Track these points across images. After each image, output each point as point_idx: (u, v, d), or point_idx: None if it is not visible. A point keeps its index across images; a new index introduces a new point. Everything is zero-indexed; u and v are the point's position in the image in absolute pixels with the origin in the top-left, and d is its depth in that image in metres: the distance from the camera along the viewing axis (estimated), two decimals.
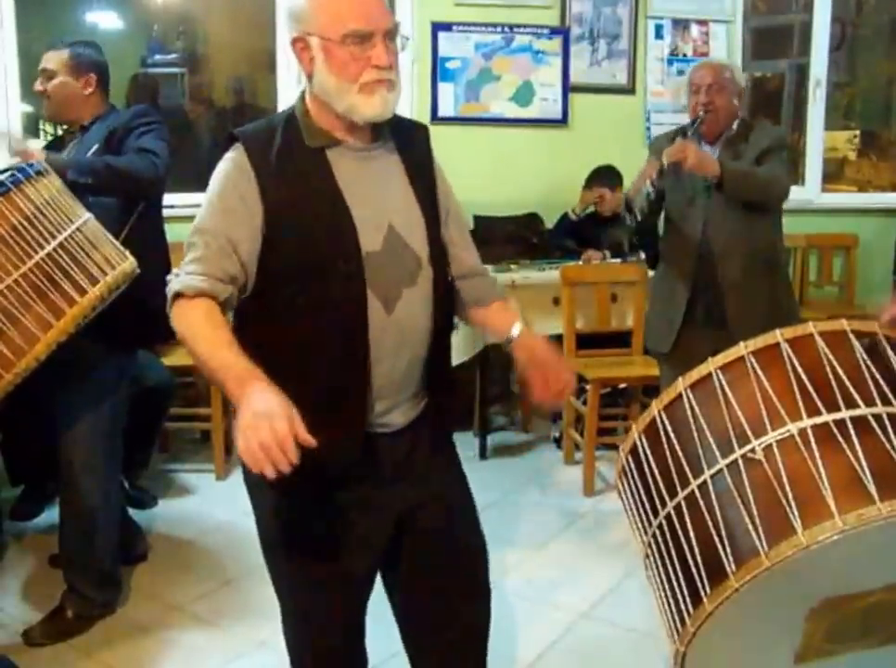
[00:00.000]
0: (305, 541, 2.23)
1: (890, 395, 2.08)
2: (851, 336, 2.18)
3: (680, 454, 2.19)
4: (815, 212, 6.41)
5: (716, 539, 2.08)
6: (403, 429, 2.23)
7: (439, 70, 5.86)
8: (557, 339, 4.92)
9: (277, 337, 2.11)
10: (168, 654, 3.38)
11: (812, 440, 2.02)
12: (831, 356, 2.13)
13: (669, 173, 3.84)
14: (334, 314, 2.09)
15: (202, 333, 1.98)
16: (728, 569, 2.02)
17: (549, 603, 3.60)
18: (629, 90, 6.29)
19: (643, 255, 5.36)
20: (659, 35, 6.31)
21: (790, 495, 1.98)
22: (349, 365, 2.11)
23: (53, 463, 3.57)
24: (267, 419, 1.73)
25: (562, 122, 6.15)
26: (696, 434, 2.18)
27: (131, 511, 4.30)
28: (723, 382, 2.18)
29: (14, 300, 2.80)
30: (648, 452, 2.27)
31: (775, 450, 2.05)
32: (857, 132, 8.56)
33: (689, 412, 2.20)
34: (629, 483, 2.35)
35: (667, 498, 2.21)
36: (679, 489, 2.17)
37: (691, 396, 2.22)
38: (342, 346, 2.09)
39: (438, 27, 5.84)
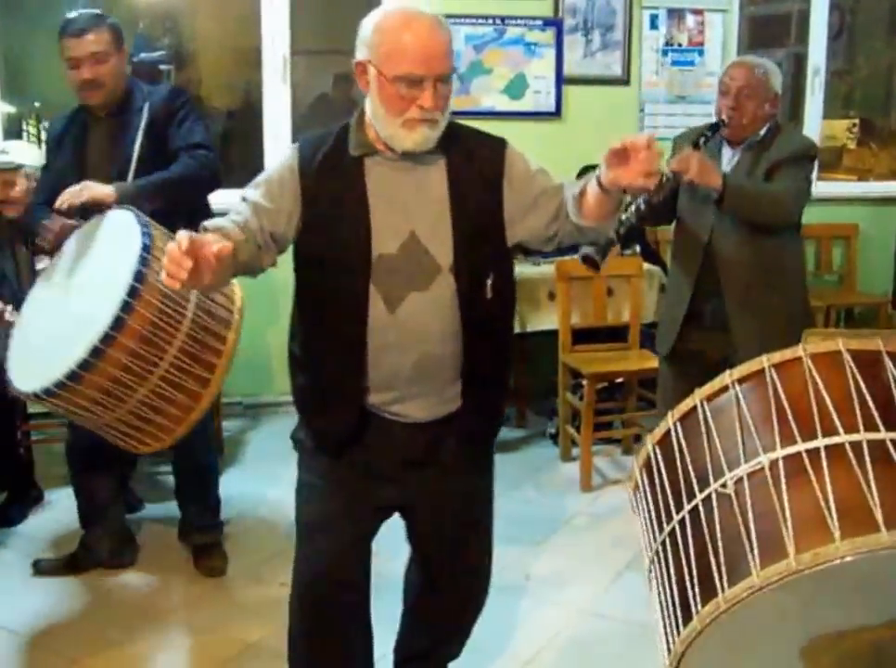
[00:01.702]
0: (314, 490, 2.58)
1: (878, 420, 1.99)
2: (847, 356, 2.09)
3: (680, 478, 2.19)
4: (814, 202, 6.30)
5: (686, 576, 2.07)
6: (426, 423, 2.47)
7: None
8: (553, 334, 4.85)
9: (307, 319, 2.50)
10: (156, 658, 3.36)
11: (782, 472, 1.98)
12: (819, 380, 2.07)
13: (670, 186, 3.73)
14: (340, 304, 2.38)
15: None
16: (693, 609, 2.01)
17: (547, 600, 3.58)
18: (623, 81, 6.21)
19: (638, 249, 5.30)
20: (653, 25, 6.24)
21: (753, 532, 1.95)
22: (348, 351, 2.39)
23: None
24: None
25: (556, 114, 6.08)
26: (679, 467, 2.18)
27: None
28: (707, 412, 2.17)
29: (175, 371, 2.85)
30: (662, 465, 2.26)
31: (745, 483, 2.02)
32: (856, 120, 8.48)
33: (676, 445, 2.21)
34: (642, 497, 2.34)
35: (664, 521, 2.22)
36: (674, 513, 2.17)
37: (679, 430, 2.22)
38: (344, 334, 2.38)
39: None
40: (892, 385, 2.08)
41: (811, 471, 1.95)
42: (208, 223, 2.30)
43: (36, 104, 6.49)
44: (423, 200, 2.39)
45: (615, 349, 5.00)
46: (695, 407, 2.19)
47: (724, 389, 2.17)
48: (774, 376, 2.11)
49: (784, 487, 1.96)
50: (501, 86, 5.96)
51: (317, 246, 2.39)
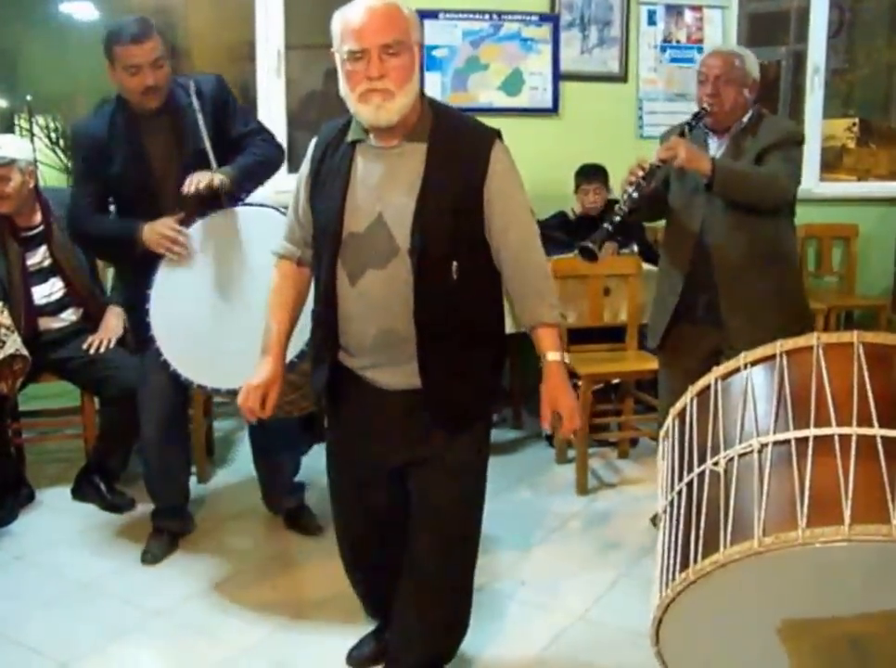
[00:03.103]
0: (329, 457, 2.99)
1: (874, 415, 2.03)
2: (860, 349, 2.14)
3: (685, 452, 2.32)
4: (814, 202, 6.29)
5: (673, 545, 2.20)
6: (398, 391, 2.72)
7: (425, 60, 5.72)
8: None
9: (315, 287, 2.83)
10: (152, 660, 3.34)
11: (769, 457, 2.07)
12: (824, 371, 2.13)
13: (660, 174, 3.73)
14: (320, 274, 2.73)
15: (271, 299, 2.87)
16: (672, 576, 2.14)
17: (542, 606, 3.54)
18: (621, 78, 6.16)
19: (636, 248, 5.26)
20: (651, 21, 6.19)
21: (731, 511, 2.05)
22: (327, 316, 2.72)
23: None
24: (244, 391, 2.80)
25: (552, 111, 6.04)
26: (687, 441, 2.31)
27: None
28: (719, 390, 2.29)
29: None
30: (676, 437, 2.40)
31: (735, 463, 2.13)
32: (856, 120, 8.45)
33: (688, 419, 2.35)
34: (669, 444, 2.46)
35: (667, 492, 2.36)
36: (675, 484, 2.31)
37: (694, 406, 2.35)
38: (323, 301, 2.73)
39: (424, 14, 5.68)
40: None
41: (795, 459, 2.03)
42: (273, 303, 2.86)
43: (28, 98, 6.48)
44: (395, 185, 2.62)
45: (612, 349, 4.96)
46: (709, 385, 2.32)
47: (737, 369, 2.27)
48: (785, 362, 2.19)
49: (767, 471, 2.05)
50: (497, 82, 5.91)
51: (314, 223, 2.76)
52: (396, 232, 2.60)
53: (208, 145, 3.64)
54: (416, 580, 2.90)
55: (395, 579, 2.97)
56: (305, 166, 2.79)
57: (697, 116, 3.80)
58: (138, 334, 3.75)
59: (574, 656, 3.30)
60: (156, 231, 3.58)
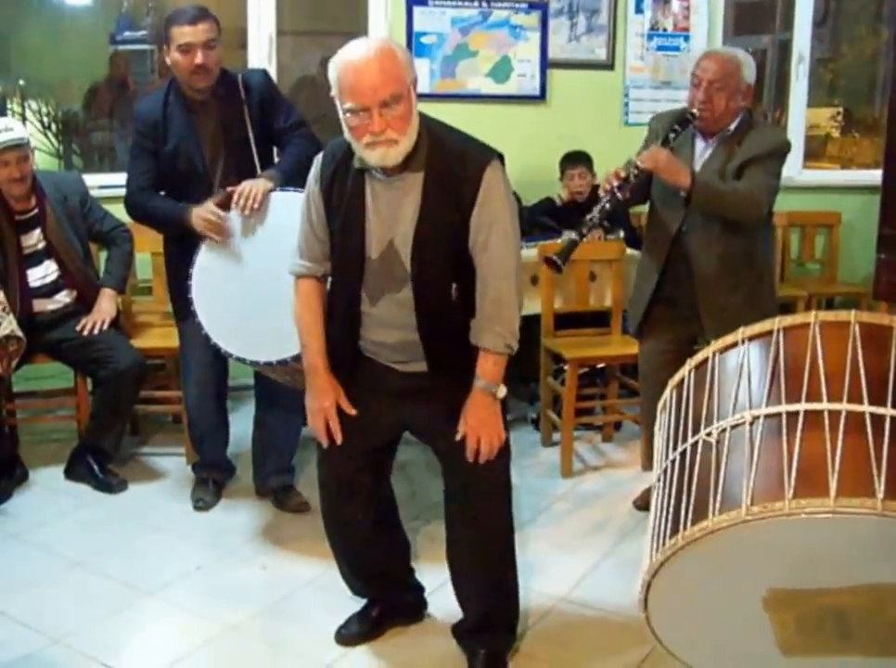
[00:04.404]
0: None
1: (864, 392, 2.08)
2: (856, 328, 2.18)
3: (681, 422, 2.36)
4: (797, 190, 6.34)
5: (664, 512, 2.25)
6: (412, 373, 2.87)
7: (414, 46, 5.78)
8: (535, 318, 4.85)
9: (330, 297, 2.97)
10: (137, 639, 3.35)
11: (760, 429, 2.11)
12: (819, 347, 2.16)
13: (636, 183, 3.73)
14: (344, 292, 2.88)
15: (303, 317, 2.96)
16: (663, 542, 2.19)
17: (527, 587, 3.55)
18: (608, 66, 6.22)
19: (622, 234, 5.31)
20: (638, 10, 6.25)
21: (721, 480, 2.10)
22: (349, 325, 2.89)
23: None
24: (316, 413, 2.94)
25: (540, 98, 6.10)
26: (683, 412, 2.36)
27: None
28: (716, 363, 2.33)
29: None
30: (673, 408, 2.44)
31: (727, 434, 2.17)
32: (840, 109, 8.49)
33: (686, 391, 2.40)
34: (666, 416, 2.51)
35: (662, 460, 2.40)
36: (670, 453, 2.36)
37: (692, 378, 2.41)
38: (346, 320, 2.89)
39: (413, 1, 5.77)
40: (892, 360, 2.14)
41: (785, 432, 2.07)
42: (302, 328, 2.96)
43: (20, 83, 6.48)
44: (401, 214, 2.74)
45: (597, 334, 5.00)
46: (707, 358, 2.35)
47: (735, 344, 2.31)
48: (781, 338, 2.22)
49: (757, 443, 2.09)
50: (486, 69, 5.96)
51: (334, 247, 2.88)
52: (404, 258, 2.75)
53: (251, 136, 3.90)
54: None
55: (370, 551, 3.17)
56: (314, 183, 2.87)
57: (684, 122, 3.77)
58: (181, 305, 3.95)
59: (559, 634, 3.35)
60: (200, 216, 3.75)
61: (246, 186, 3.71)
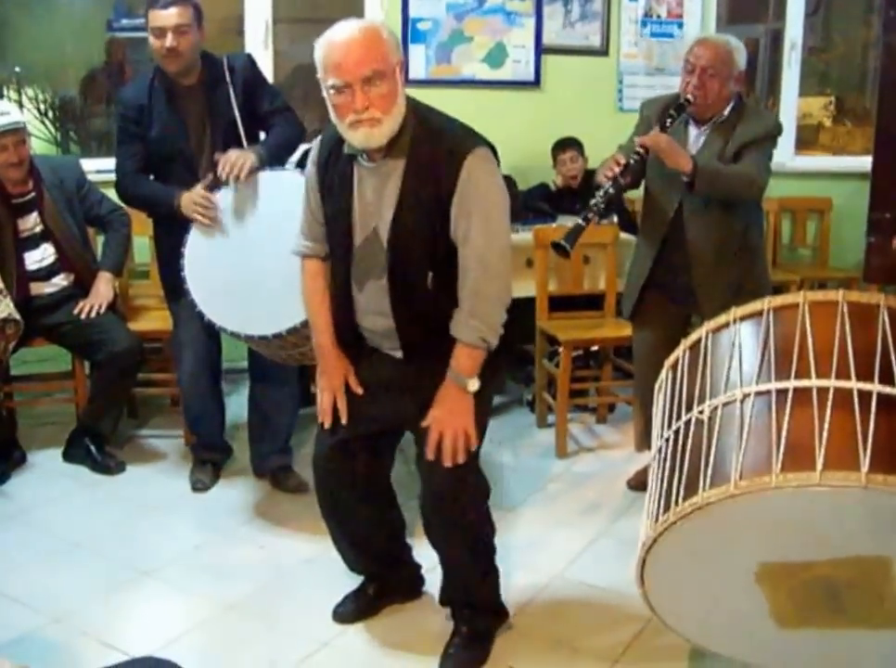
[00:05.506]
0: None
1: (852, 369, 2.12)
2: (844, 307, 2.23)
3: (675, 401, 2.43)
4: (789, 176, 6.38)
5: (659, 487, 2.30)
6: (402, 360, 2.89)
7: (409, 32, 5.81)
8: (530, 301, 4.88)
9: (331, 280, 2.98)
10: (135, 618, 3.37)
11: (750, 406, 2.16)
12: (808, 326, 2.21)
13: (637, 167, 3.76)
14: (337, 276, 2.92)
15: (310, 298, 3.00)
16: (657, 517, 2.24)
17: (523, 565, 3.60)
18: (602, 52, 6.25)
19: (616, 218, 5.33)
20: None
21: (712, 456, 2.15)
22: (345, 309, 2.92)
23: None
24: (324, 391, 2.95)
25: (535, 83, 6.12)
26: (677, 391, 2.42)
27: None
28: (709, 343, 2.38)
29: None
30: (668, 388, 2.50)
31: (718, 412, 2.22)
32: (832, 98, 8.52)
33: (680, 371, 2.46)
34: (662, 395, 2.56)
35: (656, 439, 2.47)
36: (664, 432, 2.42)
37: (686, 358, 2.46)
38: (342, 301, 2.92)
39: None
40: (879, 338, 2.17)
41: (774, 409, 2.11)
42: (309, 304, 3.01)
43: (17, 70, 6.47)
44: (384, 201, 2.74)
45: (591, 317, 5.03)
46: (700, 338, 2.41)
47: (727, 324, 2.36)
48: (771, 318, 2.27)
49: (747, 420, 2.14)
50: (481, 55, 5.99)
51: (325, 228, 2.92)
52: (386, 246, 2.76)
53: (238, 118, 3.93)
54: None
55: (365, 529, 3.18)
56: (311, 166, 2.90)
57: (680, 107, 3.79)
58: (172, 286, 3.98)
59: (554, 611, 3.38)
60: (190, 199, 3.80)
61: (232, 154, 3.74)
